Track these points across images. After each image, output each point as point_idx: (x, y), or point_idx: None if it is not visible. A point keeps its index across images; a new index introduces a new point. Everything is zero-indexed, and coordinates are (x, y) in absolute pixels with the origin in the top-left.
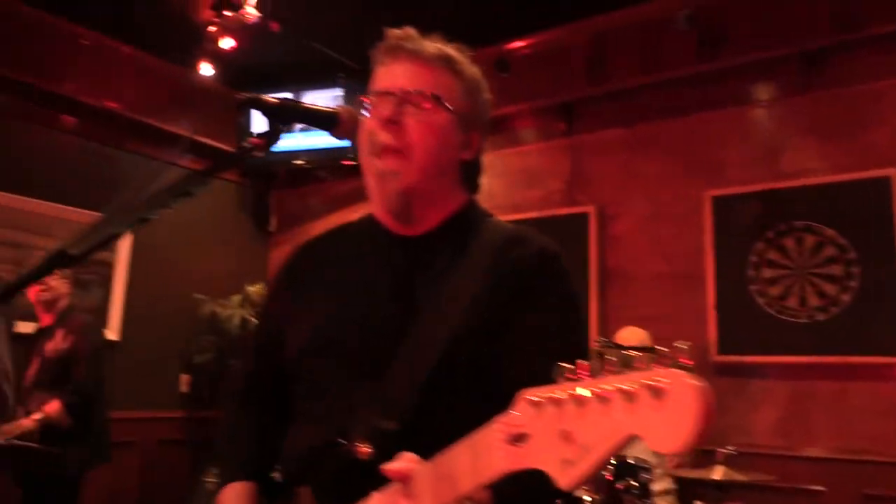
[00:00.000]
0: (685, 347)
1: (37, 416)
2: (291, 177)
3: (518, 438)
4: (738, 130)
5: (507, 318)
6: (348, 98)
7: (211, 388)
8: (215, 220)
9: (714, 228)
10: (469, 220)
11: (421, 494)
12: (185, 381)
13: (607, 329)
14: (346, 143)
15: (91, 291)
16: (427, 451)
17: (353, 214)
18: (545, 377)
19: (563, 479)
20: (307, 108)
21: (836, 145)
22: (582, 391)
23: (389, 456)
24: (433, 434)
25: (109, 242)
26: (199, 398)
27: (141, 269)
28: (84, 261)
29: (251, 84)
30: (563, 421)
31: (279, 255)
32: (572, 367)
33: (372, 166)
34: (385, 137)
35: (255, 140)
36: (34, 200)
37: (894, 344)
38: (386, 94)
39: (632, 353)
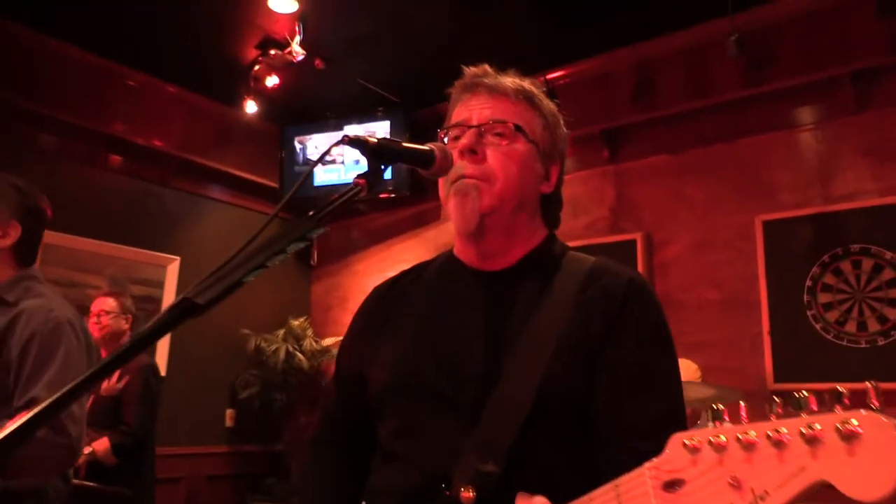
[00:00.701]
0: (872, 387)
1: (86, 450)
2: (332, 211)
3: (672, 484)
4: (788, 153)
5: (600, 352)
6: (393, 130)
7: (256, 423)
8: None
9: (766, 253)
10: (551, 254)
11: None
12: (230, 415)
13: None
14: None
15: (140, 327)
16: (530, 492)
17: (394, 247)
18: (646, 412)
19: None
20: (404, 147)
21: (891, 166)
22: (750, 435)
23: (492, 500)
24: (534, 475)
25: (233, 290)
26: (244, 432)
27: None
28: (209, 310)
29: (295, 119)
30: (729, 466)
31: (321, 288)
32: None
33: (453, 188)
34: (465, 168)
35: (360, 180)
36: (85, 239)
37: None
38: (465, 125)
39: (804, 393)
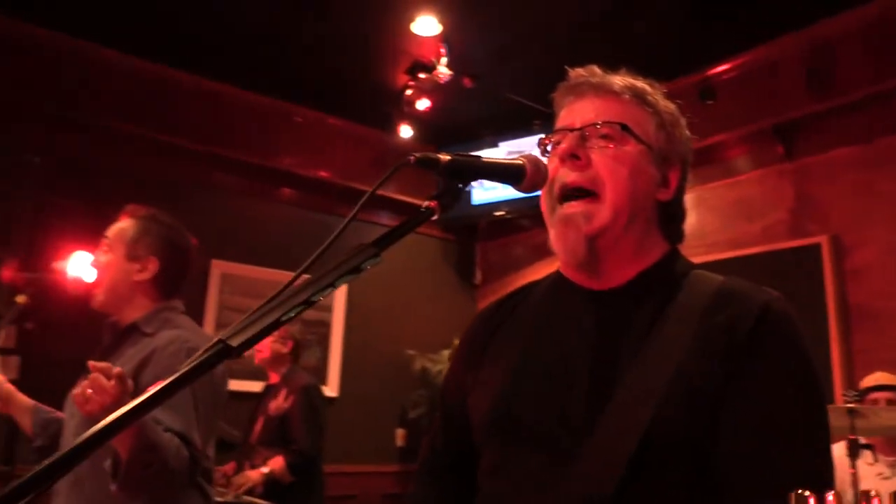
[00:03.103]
0: None
1: (264, 469)
2: (494, 228)
3: None
4: None
5: (722, 390)
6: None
7: None
8: (422, 276)
9: None
10: (671, 272)
11: None
12: (400, 435)
13: (853, 376)
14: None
15: (311, 351)
16: None
17: (558, 263)
18: (777, 474)
19: None
20: (484, 162)
21: None
22: None
23: None
24: None
25: (271, 331)
26: (415, 452)
27: (355, 328)
28: (242, 353)
29: (449, 140)
30: None
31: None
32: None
33: (556, 214)
34: (567, 175)
35: (431, 203)
36: (260, 268)
37: None
38: (567, 129)
39: None
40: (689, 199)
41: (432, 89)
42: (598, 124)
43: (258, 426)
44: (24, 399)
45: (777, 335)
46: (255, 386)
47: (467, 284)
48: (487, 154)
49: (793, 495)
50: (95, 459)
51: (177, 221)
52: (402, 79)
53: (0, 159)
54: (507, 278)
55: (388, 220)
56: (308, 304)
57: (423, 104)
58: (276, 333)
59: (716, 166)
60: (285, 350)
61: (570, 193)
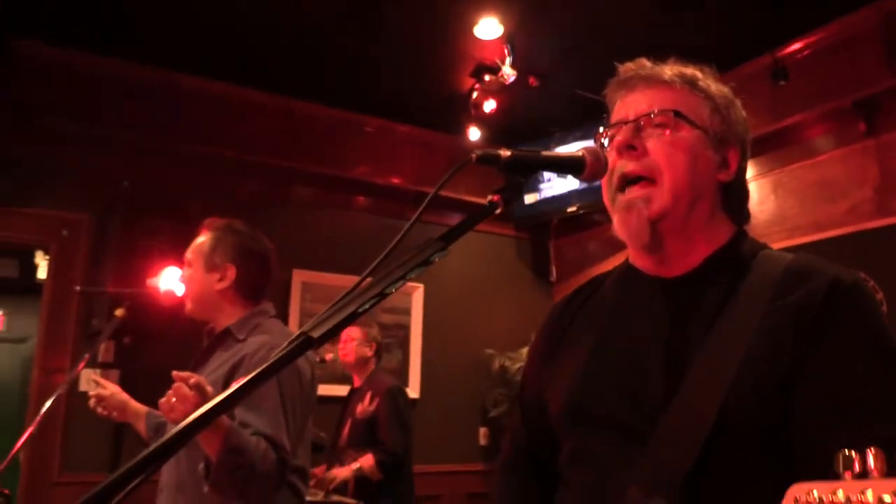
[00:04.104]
0: None
1: (353, 465)
2: (568, 224)
3: None
4: None
5: (795, 370)
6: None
7: None
8: (498, 275)
9: None
10: (739, 253)
11: None
12: (483, 433)
13: None
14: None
15: (392, 353)
16: None
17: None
18: (851, 436)
19: None
20: (546, 156)
21: None
22: (871, 496)
23: None
24: None
25: (348, 323)
26: (497, 450)
27: (433, 329)
28: (323, 344)
29: (518, 140)
30: None
31: None
32: (855, 455)
33: (617, 202)
34: (626, 166)
35: (494, 197)
36: (339, 276)
37: None
38: (622, 122)
39: None
40: (767, 182)
41: (498, 91)
42: (651, 114)
43: (346, 429)
44: (138, 406)
45: (847, 309)
46: (341, 390)
47: (543, 282)
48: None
49: (840, 455)
50: (194, 463)
51: (253, 229)
52: (468, 82)
53: (93, 185)
54: (583, 273)
55: (456, 222)
56: (382, 296)
57: (489, 106)
58: (359, 337)
59: (794, 148)
60: (370, 353)
61: (630, 181)
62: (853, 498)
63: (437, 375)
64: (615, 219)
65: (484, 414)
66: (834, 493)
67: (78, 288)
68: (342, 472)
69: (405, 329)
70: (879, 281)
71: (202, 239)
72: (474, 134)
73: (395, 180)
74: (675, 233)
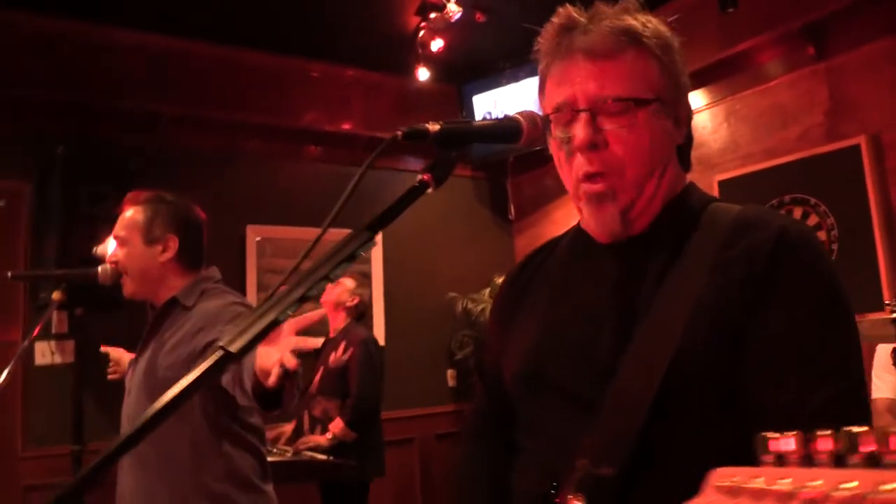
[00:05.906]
0: None
1: (328, 436)
2: (524, 161)
3: None
4: None
5: (743, 325)
6: None
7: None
8: (456, 217)
9: None
10: (687, 209)
11: None
12: (451, 375)
13: None
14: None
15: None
16: (647, 500)
17: None
18: (804, 401)
19: None
20: (478, 126)
21: None
22: (785, 486)
23: None
24: (655, 479)
25: (269, 332)
26: (466, 391)
27: (394, 276)
28: (243, 357)
29: (468, 77)
30: None
31: (523, 242)
32: (776, 435)
33: (580, 190)
34: (587, 165)
35: (425, 176)
36: (293, 228)
37: None
38: (572, 108)
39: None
40: (719, 111)
41: (445, 28)
42: (606, 100)
43: (317, 377)
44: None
45: (795, 258)
46: (316, 342)
47: (502, 221)
48: (510, 89)
49: (759, 437)
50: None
51: (180, 196)
52: (414, 21)
53: (28, 151)
54: (542, 210)
55: (414, 166)
56: (305, 299)
57: (437, 44)
58: (350, 286)
59: (745, 74)
60: (349, 303)
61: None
62: (772, 487)
63: (401, 321)
64: (584, 210)
65: (451, 356)
66: (754, 479)
67: (10, 274)
68: (320, 441)
69: (367, 277)
70: (830, 206)
71: (132, 213)
72: (423, 74)
73: (346, 126)
74: (641, 212)
